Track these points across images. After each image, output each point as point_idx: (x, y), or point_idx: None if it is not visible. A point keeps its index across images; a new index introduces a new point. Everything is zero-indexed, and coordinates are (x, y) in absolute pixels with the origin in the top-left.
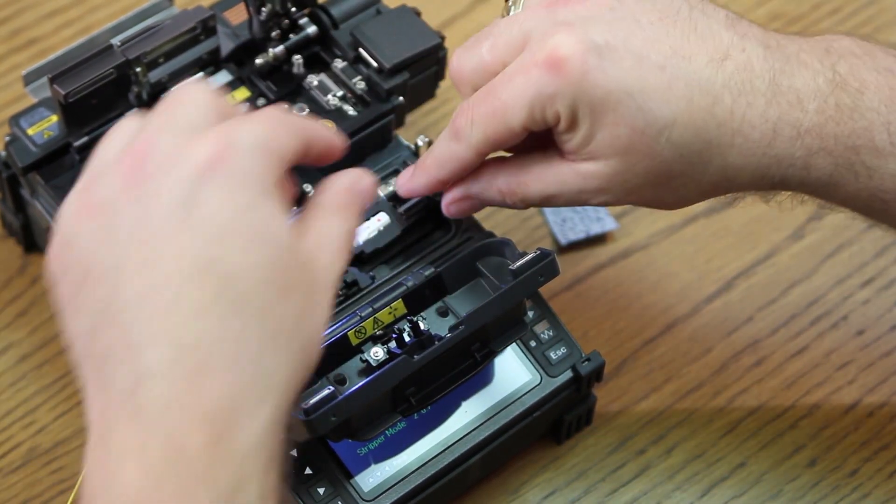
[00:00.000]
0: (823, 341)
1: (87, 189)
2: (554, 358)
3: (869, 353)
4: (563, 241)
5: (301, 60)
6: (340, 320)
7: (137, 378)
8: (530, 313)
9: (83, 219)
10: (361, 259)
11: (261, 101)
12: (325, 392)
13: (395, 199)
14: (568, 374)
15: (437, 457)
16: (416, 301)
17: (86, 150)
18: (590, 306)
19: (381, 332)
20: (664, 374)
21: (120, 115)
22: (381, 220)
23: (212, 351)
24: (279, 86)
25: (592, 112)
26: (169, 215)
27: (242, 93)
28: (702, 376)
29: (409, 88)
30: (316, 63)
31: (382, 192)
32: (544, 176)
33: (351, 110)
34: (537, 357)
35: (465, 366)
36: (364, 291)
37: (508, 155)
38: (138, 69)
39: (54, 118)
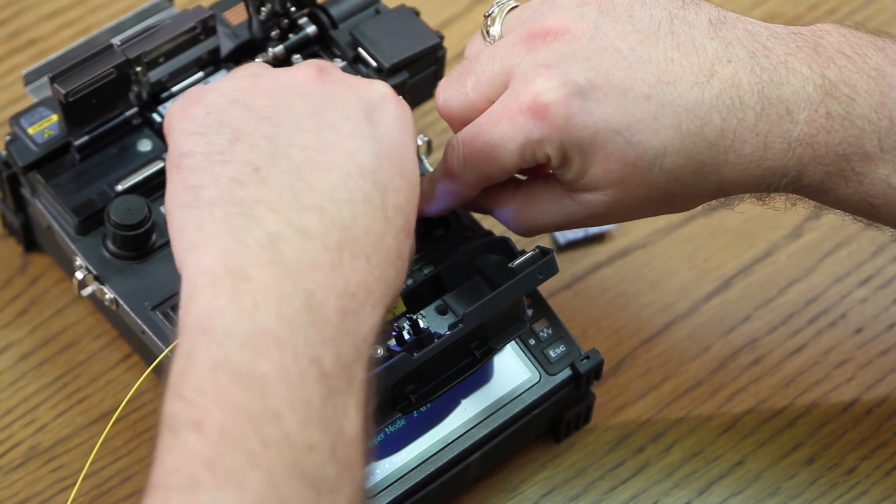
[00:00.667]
0: (821, 340)
1: (263, 75)
2: (553, 356)
3: (867, 351)
4: (561, 240)
5: (300, 60)
6: None
7: (287, 232)
8: (529, 311)
9: (255, 93)
10: None
11: None
12: None
13: None
14: (567, 373)
15: (436, 454)
16: (416, 299)
17: (86, 149)
18: (588, 305)
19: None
20: (662, 373)
21: (120, 114)
22: None
23: (359, 236)
24: None
25: (582, 151)
26: (354, 117)
27: None
28: (700, 375)
29: (409, 88)
30: None
31: None
32: (550, 209)
33: None
34: (536, 355)
35: (464, 364)
36: None
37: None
38: (138, 69)
39: (55, 117)
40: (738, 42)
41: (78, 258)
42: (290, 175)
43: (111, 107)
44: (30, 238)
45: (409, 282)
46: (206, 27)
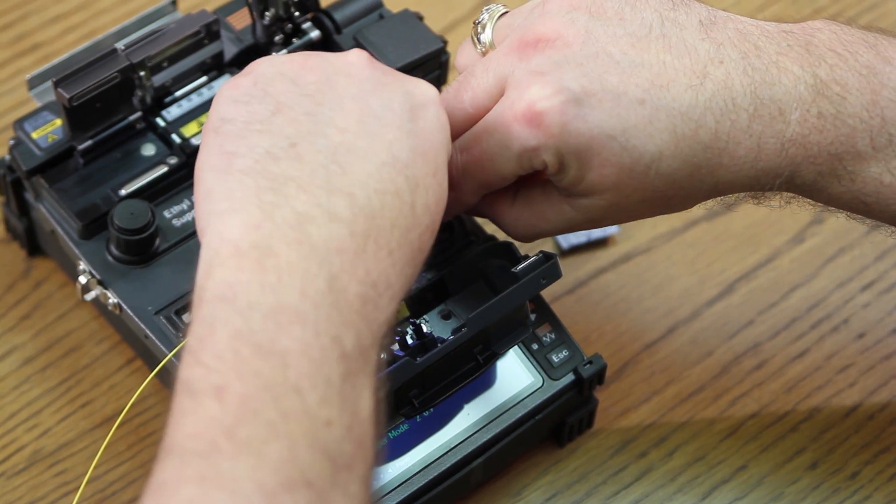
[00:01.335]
0: (824, 344)
1: (316, 55)
2: (556, 361)
3: (869, 356)
4: (564, 244)
5: None
6: None
7: (316, 213)
8: (532, 316)
9: (304, 69)
10: None
11: None
12: None
13: None
14: (570, 377)
15: (439, 459)
16: (419, 304)
17: (90, 154)
18: (591, 310)
19: None
20: (665, 378)
21: (123, 118)
22: None
23: (385, 227)
24: None
25: (578, 158)
26: (397, 109)
27: None
28: (703, 379)
29: None
30: None
31: None
32: (548, 214)
33: None
34: (539, 360)
35: (467, 368)
36: None
37: None
38: (142, 73)
39: (58, 122)
40: (729, 42)
41: (81, 262)
42: (324, 155)
43: (115, 111)
44: (33, 242)
45: (413, 286)
46: (210, 32)
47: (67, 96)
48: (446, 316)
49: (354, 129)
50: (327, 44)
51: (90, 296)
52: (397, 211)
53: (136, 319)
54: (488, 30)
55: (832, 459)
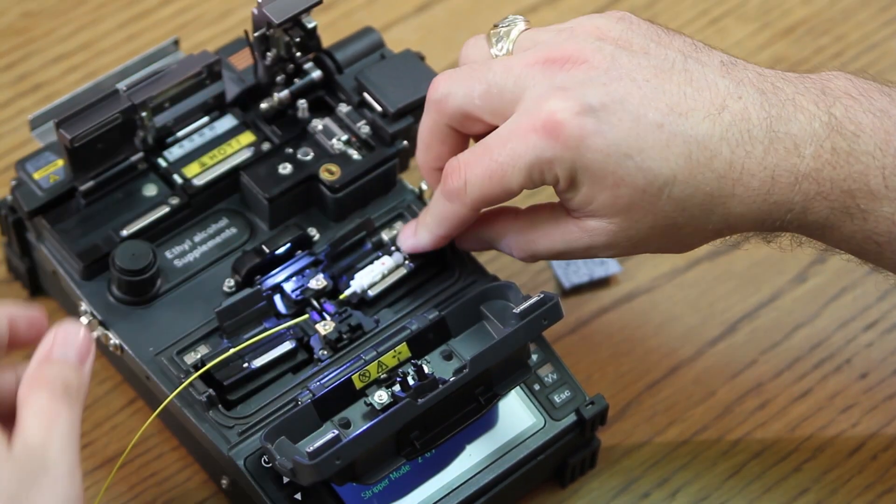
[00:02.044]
0: (827, 384)
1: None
2: (558, 401)
3: (872, 396)
4: (566, 284)
5: (306, 105)
6: (344, 364)
7: None
8: (534, 357)
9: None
10: (365, 303)
11: (265, 146)
12: (330, 435)
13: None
14: (572, 418)
15: (441, 500)
16: (421, 345)
17: (91, 195)
18: (593, 350)
19: (385, 375)
20: (668, 417)
21: (125, 159)
22: (385, 263)
23: None
24: (284, 130)
25: (592, 175)
26: None
27: (247, 137)
28: (706, 419)
29: (414, 132)
30: (320, 107)
31: (387, 236)
32: (552, 234)
33: (355, 154)
34: (541, 400)
35: (469, 409)
36: (368, 335)
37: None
38: (144, 114)
39: (60, 162)
40: (748, 81)
41: (83, 303)
42: None
43: (117, 152)
44: (35, 282)
45: (415, 326)
46: (212, 72)
47: (69, 137)
48: (448, 357)
49: None
50: (329, 84)
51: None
52: None
53: (138, 360)
54: (512, 36)
55: (835, 500)
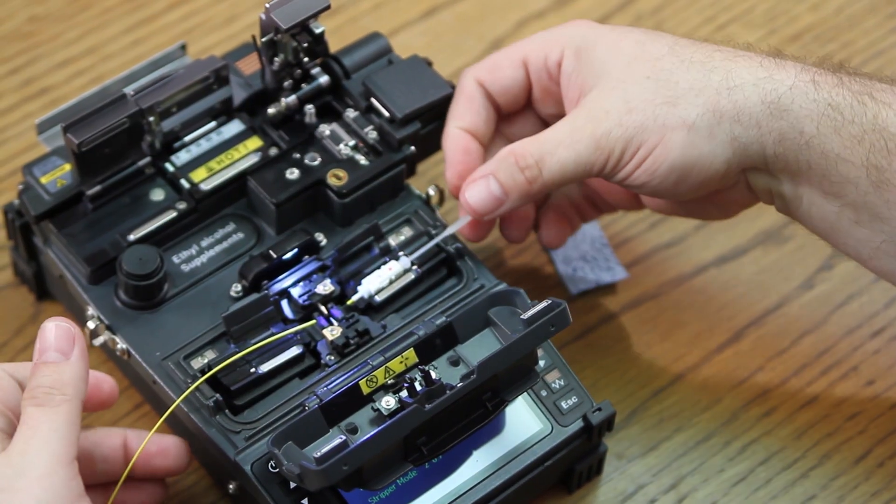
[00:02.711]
0: (834, 391)
1: None
2: (565, 407)
3: (879, 403)
4: (573, 290)
5: (313, 110)
6: (352, 369)
7: None
8: (541, 362)
9: None
10: (373, 308)
11: (273, 151)
12: (337, 441)
13: (405, 246)
14: (579, 424)
15: None
16: (428, 350)
17: (98, 199)
18: (600, 356)
19: (392, 381)
20: (674, 424)
21: (132, 163)
22: (392, 268)
23: None
24: (291, 135)
25: None
26: None
27: (255, 142)
28: (712, 426)
29: (421, 138)
30: (328, 113)
31: (394, 241)
32: (556, 130)
33: (363, 160)
34: (548, 406)
35: (476, 415)
36: (375, 341)
37: None
38: (151, 118)
39: (67, 167)
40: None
41: (90, 307)
42: None
43: (124, 156)
44: (42, 287)
45: (422, 332)
46: (219, 77)
47: (77, 142)
48: (455, 362)
49: None
50: (336, 90)
51: (98, 341)
52: None
53: (145, 365)
54: None
55: None
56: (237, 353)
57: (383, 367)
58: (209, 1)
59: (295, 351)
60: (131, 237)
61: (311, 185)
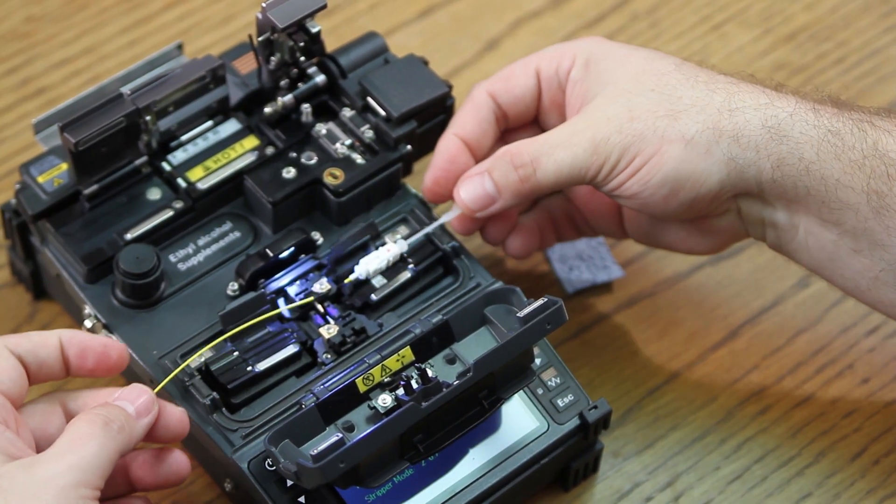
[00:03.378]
0: (829, 389)
1: None
2: (561, 405)
3: (874, 401)
4: (569, 289)
5: (310, 109)
6: (348, 367)
7: None
8: (538, 361)
9: None
10: (369, 307)
11: (269, 150)
12: (334, 439)
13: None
14: (575, 422)
15: None
16: (424, 348)
17: (95, 198)
18: (596, 354)
19: (388, 379)
20: (670, 422)
21: (129, 163)
22: (391, 249)
23: None
24: (288, 134)
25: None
26: None
27: (251, 141)
28: (707, 424)
29: (417, 137)
30: (324, 112)
31: (390, 239)
32: (556, 132)
33: (359, 158)
34: (544, 404)
35: (472, 413)
36: (372, 339)
37: None
38: (148, 117)
39: (64, 166)
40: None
41: (87, 306)
42: None
43: (121, 155)
44: (39, 286)
45: (418, 330)
46: (216, 76)
47: (73, 141)
48: (451, 360)
49: None
50: (332, 89)
51: None
52: None
53: (141, 363)
54: None
55: None
56: (234, 351)
57: (380, 365)
58: (206, 1)
59: (292, 349)
60: (128, 236)
61: (307, 184)
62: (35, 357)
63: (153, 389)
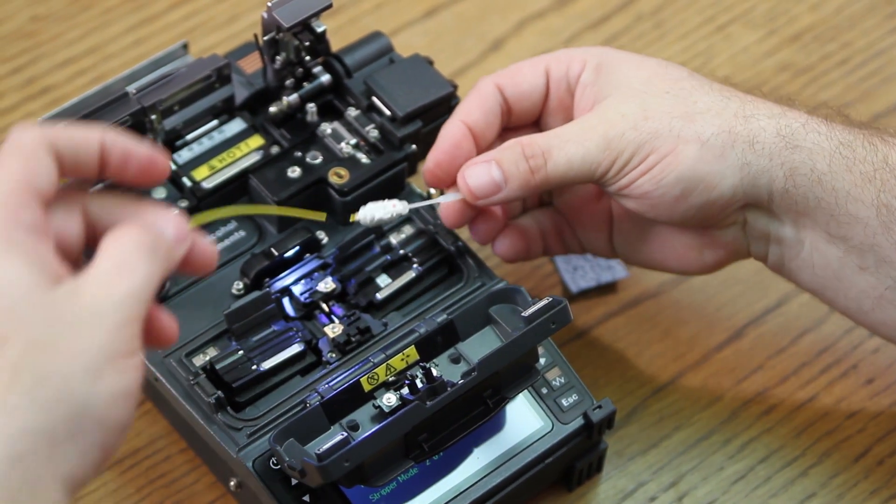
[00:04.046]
0: (833, 390)
1: None
2: (565, 405)
3: (879, 401)
4: (573, 289)
5: (315, 108)
6: (353, 367)
7: None
8: (542, 360)
9: None
10: (374, 306)
11: (274, 149)
12: (339, 438)
13: (406, 244)
14: (579, 422)
15: (448, 503)
16: (429, 347)
17: None
18: (600, 354)
19: (393, 378)
20: (674, 422)
21: None
22: (396, 205)
23: None
24: (293, 134)
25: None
26: None
27: (256, 140)
28: (712, 424)
29: (422, 136)
30: (329, 111)
31: (395, 239)
32: (568, 127)
33: (364, 158)
34: (549, 404)
35: (477, 412)
36: (377, 338)
37: None
38: (153, 117)
39: None
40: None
41: None
42: None
43: None
44: None
45: (423, 330)
46: (221, 75)
47: None
48: (456, 360)
49: None
50: (338, 88)
51: None
52: None
53: (146, 362)
54: None
55: None
56: (239, 350)
57: (384, 364)
58: (211, 0)
59: (297, 348)
60: None
61: (312, 184)
62: (74, 156)
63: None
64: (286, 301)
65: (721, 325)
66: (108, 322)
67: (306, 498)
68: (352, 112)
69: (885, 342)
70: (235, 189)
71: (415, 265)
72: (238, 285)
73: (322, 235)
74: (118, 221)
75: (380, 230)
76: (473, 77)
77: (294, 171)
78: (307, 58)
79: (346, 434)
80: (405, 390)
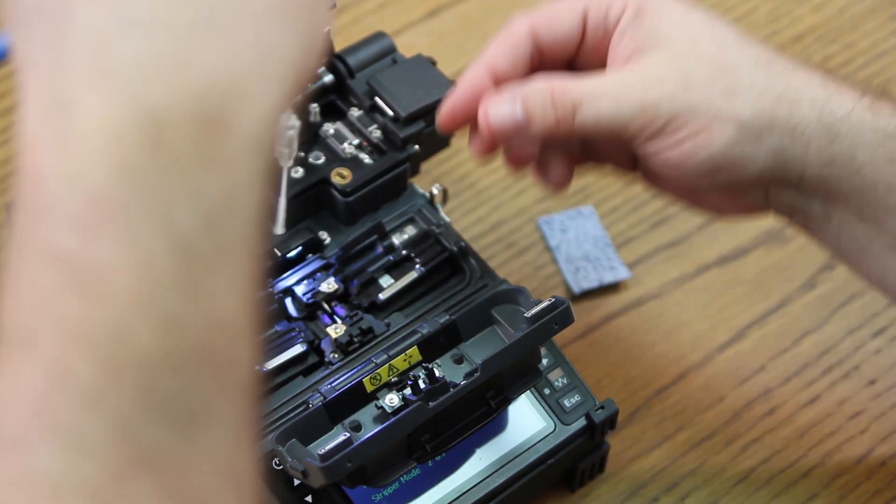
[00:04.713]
0: (835, 391)
1: None
2: (568, 406)
3: (881, 402)
4: (576, 289)
5: (317, 109)
6: (355, 367)
7: (110, 30)
8: (544, 361)
9: None
10: (376, 306)
11: None
12: (341, 438)
13: (408, 245)
14: (582, 422)
15: None
16: (431, 348)
17: None
18: (603, 355)
19: (396, 378)
20: (677, 423)
21: None
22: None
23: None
24: None
25: None
26: None
27: None
28: (714, 425)
29: (425, 137)
30: (332, 111)
31: (398, 240)
32: (604, 81)
33: (367, 158)
34: (551, 405)
35: (479, 413)
36: (379, 338)
37: None
38: None
39: None
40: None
41: None
42: None
43: None
44: None
45: (426, 330)
46: None
47: None
48: (458, 360)
49: None
50: (340, 88)
51: None
52: None
53: None
54: None
55: None
56: None
57: (387, 364)
58: None
59: (299, 349)
60: None
61: (315, 184)
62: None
63: None
64: (289, 301)
65: (723, 325)
66: None
67: (309, 498)
68: (354, 112)
69: (887, 343)
70: None
71: (417, 266)
72: None
73: (325, 236)
74: None
75: (383, 231)
76: None
77: (296, 172)
78: None
79: (348, 435)
80: (408, 391)
